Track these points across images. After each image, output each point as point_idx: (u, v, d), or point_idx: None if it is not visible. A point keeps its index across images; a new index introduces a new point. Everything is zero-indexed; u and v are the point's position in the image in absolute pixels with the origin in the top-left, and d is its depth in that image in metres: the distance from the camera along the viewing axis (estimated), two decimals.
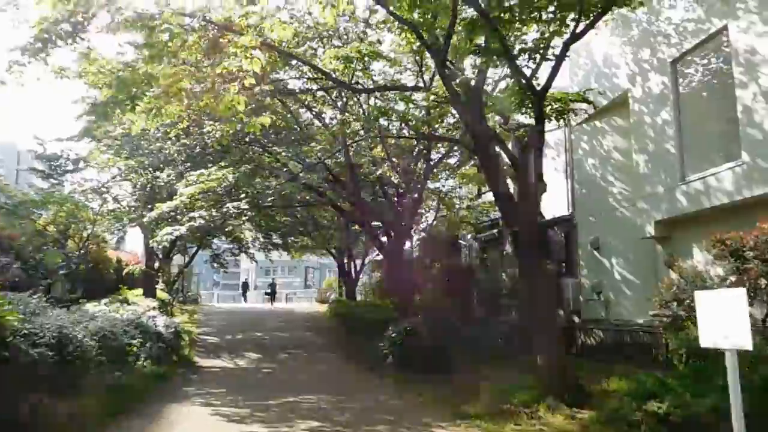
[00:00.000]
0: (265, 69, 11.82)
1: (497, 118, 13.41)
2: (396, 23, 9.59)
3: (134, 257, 30.66)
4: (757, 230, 8.26)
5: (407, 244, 20.40)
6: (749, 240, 8.30)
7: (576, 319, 15.89)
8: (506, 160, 10.71)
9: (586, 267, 16.15)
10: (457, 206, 21.74)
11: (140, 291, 24.37)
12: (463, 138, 12.09)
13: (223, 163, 13.57)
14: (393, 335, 14.68)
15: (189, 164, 15.43)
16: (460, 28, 8.47)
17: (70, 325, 8.13)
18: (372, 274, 32.96)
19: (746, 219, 9.26)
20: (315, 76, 13.02)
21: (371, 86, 12.38)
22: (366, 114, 12.48)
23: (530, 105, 8.62)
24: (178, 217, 13.55)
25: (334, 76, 11.11)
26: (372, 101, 15.16)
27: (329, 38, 13.92)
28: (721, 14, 10.56)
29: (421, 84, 15.53)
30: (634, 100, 13.51)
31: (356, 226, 26.34)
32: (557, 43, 8.89)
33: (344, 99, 15.68)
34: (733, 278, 8.94)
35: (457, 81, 8.93)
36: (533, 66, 8.65)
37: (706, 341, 4.98)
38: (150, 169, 16.85)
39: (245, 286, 46.77)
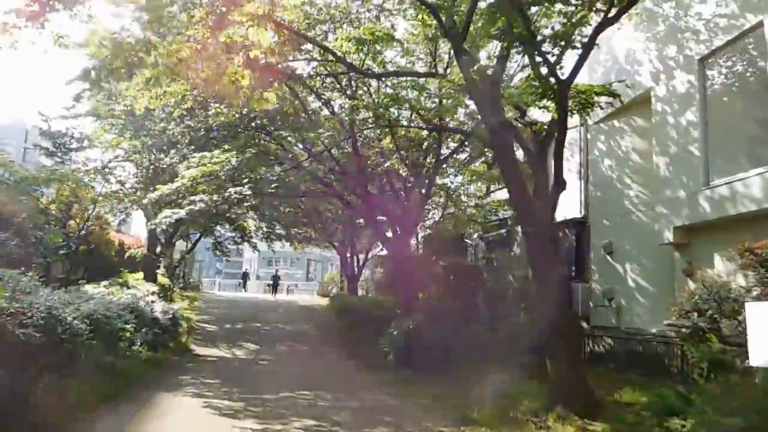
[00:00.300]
0: (272, 50, 11.40)
1: (510, 114, 12.96)
2: (411, 5, 9.11)
3: (137, 241, 30.32)
4: None
5: (413, 241, 19.90)
6: None
7: (585, 325, 15.40)
8: (522, 155, 10.25)
9: (598, 272, 15.65)
10: (465, 204, 21.27)
11: (141, 275, 24.08)
12: (477, 131, 11.61)
13: (226, 146, 13.13)
14: (395, 333, 14.25)
15: (193, 147, 15.00)
16: (481, 11, 8.01)
17: (60, 306, 7.69)
18: (374, 269, 32.53)
19: None
20: (325, 57, 12.52)
21: (383, 72, 11.90)
22: (376, 102, 11.98)
23: (552, 96, 8.14)
24: (179, 200, 13.13)
25: (345, 59, 10.63)
26: (382, 90, 14.65)
27: (341, 22, 13.43)
28: (756, 9, 10.03)
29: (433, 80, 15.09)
30: (657, 99, 12.98)
31: (361, 220, 25.91)
32: (580, 32, 8.41)
33: (354, 87, 15.22)
34: (759, 290, 8.48)
35: (475, 68, 8.46)
36: (557, 54, 8.14)
37: (758, 359, 4.47)
38: (153, 150, 16.44)
39: (245, 276, 46.71)
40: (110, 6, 6.28)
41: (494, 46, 13.69)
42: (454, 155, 18.00)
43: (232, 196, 12.80)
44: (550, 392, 9.09)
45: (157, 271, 25.84)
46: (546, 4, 7.56)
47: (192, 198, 12.77)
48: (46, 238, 18.47)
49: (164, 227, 15.58)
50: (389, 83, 12.73)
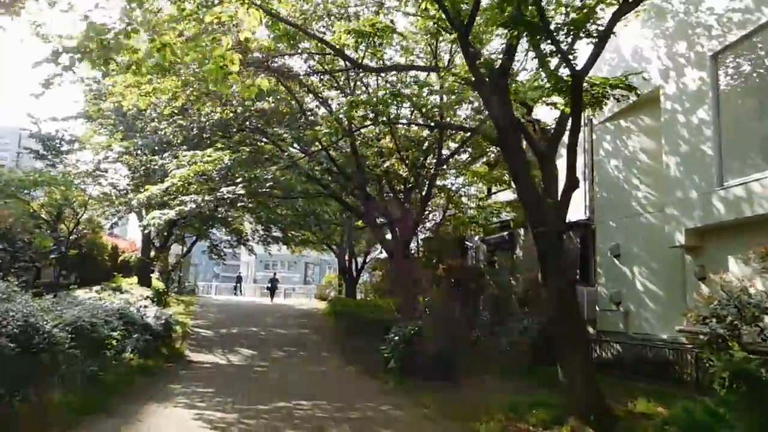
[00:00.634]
0: (270, 48, 10.92)
1: (516, 112, 12.48)
2: None
3: (132, 245, 29.85)
4: None
5: (413, 243, 19.43)
6: None
7: (591, 330, 14.94)
8: (530, 153, 9.79)
9: (605, 275, 15.20)
10: (465, 206, 20.81)
11: (135, 279, 23.61)
12: (484, 128, 11.15)
13: (219, 145, 12.62)
14: (395, 338, 13.76)
15: (185, 147, 14.50)
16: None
17: (39, 313, 7.22)
18: (373, 272, 32.06)
19: None
20: (322, 51, 12.06)
21: (383, 67, 11.37)
22: (375, 99, 11.51)
23: (564, 89, 7.69)
24: (170, 201, 12.60)
25: (344, 53, 10.14)
26: (381, 87, 14.16)
27: (339, 17, 12.97)
28: None
29: (433, 76, 14.62)
30: (666, 97, 12.55)
31: (359, 222, 25.45)
32: (594, 20, 7.93)
33: (352, 86, 14.76)
34: None
35: (481, 60, 8.00)
36: (568, 44, 7.66)
37: None
38: (145, 151, 15.94)
39: (239, 280, 46.41)
40: None
41: (497, 45, 13.30)
42: (455, 156, 17.53)
43: (225, 196, 12.27)
44: (562, 403, 8.62)
45: (152, 275, 25.35)
46: None
47: (182, 198, 12.23)
48: (35, 242, 18.03)
49: (154, 229, 15.04)
50: (389, 79, 12.23)
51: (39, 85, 5.62)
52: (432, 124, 11.70)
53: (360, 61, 11.99)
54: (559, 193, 8.80)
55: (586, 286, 15.54)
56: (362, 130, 16.05)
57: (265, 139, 15.70)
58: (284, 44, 12.67)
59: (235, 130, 14.77)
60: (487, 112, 14.59)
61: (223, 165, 12.11)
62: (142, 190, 13.59)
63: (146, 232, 21.42)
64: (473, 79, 8.30)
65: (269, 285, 36.18)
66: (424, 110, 10.97)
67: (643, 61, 13.50)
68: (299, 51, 13.18)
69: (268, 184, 12.07)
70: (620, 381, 11.93)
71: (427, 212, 19.87)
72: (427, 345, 12.92)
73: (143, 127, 16.05)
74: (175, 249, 34.44)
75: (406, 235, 17.47)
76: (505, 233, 20.16)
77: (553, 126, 9.37)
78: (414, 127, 18.32)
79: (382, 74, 12.97)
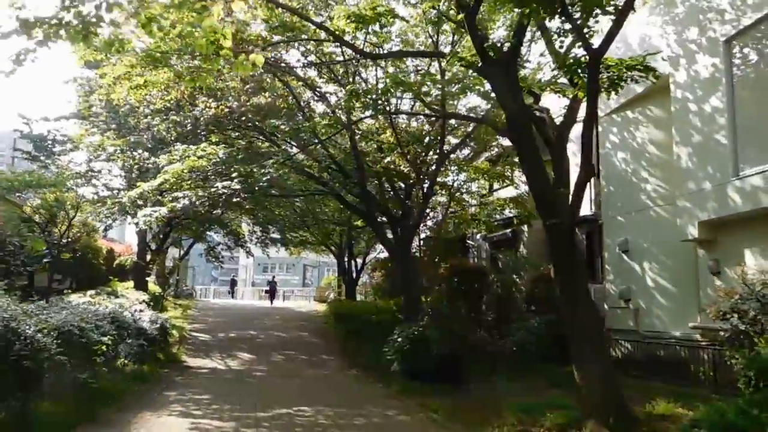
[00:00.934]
0: (266, 41, 10.46)
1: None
2: None
3: (128, 248, 29.37)
4: None
5: (414, 242, 18.97)
6: None
7: None
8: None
9: (613, 272, 14.77)
10: (467, 203, 20.38)
11: (131, 284, 23.15)
12: (489, 117, 10.70)
13: (214, 139, 12.13)
14: (399, 340, 13.29)
15: (179, 144, 14.01)
16: None
17: (22, 317, 6.75)
18: (373, 273, 31.60)
19: None
20: (318, 40, 11.59)
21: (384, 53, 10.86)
22: (378, 88, 11.03)
23: (578, 69, 7.25)
24: (163, 199, 12.09)
25: (343, 39, 9.67)
26: (381, 79, 13.69)
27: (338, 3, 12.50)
28: None
29: (435, 67, 14.18)
30: (676, 86, 12.14)
31: (359, 221, 25.00)
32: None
33: (351, 78, 14.31)
34: None
35: (489, 43, 7.56)
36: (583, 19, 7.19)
37: None
38: (137, 149, 15.45)
39: (233, 283, 46.11)
40: None
41: (502, 33, 12.86)
42: (457, 150, 17.08)
43: (220, 191, 11.76)
44: (578, 404, 8.17)
45: (148, 279, 24.86)
46: None
47: (175, 195, 11.72)
48: (27, 246, 17.52)
49: (147, 228, 14.51)
50: (389, 70, 11.70)
51: (9, 62, 5.16)
52: (435, 114, 11.19)
53: (362, 45, 11.50)
54: (572, 184, 8.36)
55: (594, 283, 15.06)
56: (361, 125, 15.62)
57: (261, 136, 15.25)
58: (281, 36, 12.23)
59: (230, 127, 14.30)
60: (490, 105, 14.30)
61: (218, 159, 11.60)
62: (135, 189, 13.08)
63: (140, 232, 20.95)
64: (480, 64, 7.86)
65: (268, 288, 35.64)
66: (427, 100, 10.49)
67: (652, 50, 13.06)
68: (296, 42, 12.71)
69: (264, 179, 11.56)
70: (632, 380, 11.49)
71: (428, 210, 19.41)
72: (431, 346, 12.47)
73: (136, 124, 15.57)
74: (173, 252, 33.98)
75: (408, 234, 17.02)
76: (509, 231, 19.72)
77: (563, 114, 8.92)
78: (415, 122, 17.91)
79: (383, 64, 12.50)
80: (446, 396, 10.80)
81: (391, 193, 18.03)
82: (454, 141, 18.07)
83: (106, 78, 10.82)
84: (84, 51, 9.55)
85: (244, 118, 13.99)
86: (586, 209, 15.52)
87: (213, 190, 11.73)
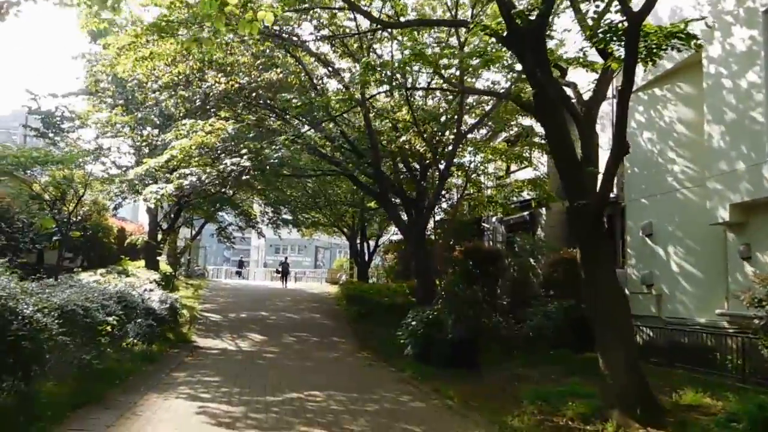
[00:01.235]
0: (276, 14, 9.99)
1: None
2: None
3: (140, 228, 29.20)
4: None
5: (429, 225, 18.54)
6: None
7: None
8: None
9: (635, 256, 14.27)
10: (483, 185, 19.88)
11: (143, 263, 22.99)
12: (512, 92, 10.16)
13: (222, 113, 11.68)
14: (413, 323, 12.95)
15: (188, 119, 13.59)
16: None
17: (21, 296, 6.43)
18: (385, 255, 31.28)
19: None
20: (333, 15, 11.08)
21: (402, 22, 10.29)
22: (393, 63, 10.51)
23: (612, 38, 6.74)
24: (169, 175, 11.70)
25: (359, 8, 9.18)
26: (398, 50, 13.12)
27: None
28: None
29: (453, 41, 13.60)
30: (709, 60, 11.53)
31: (372, 203, 24.60)
32: None
33: (366, 54, 13.79)
34: None
35: (516, 10, 7.06)
36: None
37: None
38: (146, 125, 15.06)
39: (241, 264, 46.09)
40: None
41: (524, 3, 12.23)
42: (475, 129, 16.55)
43: (229, 168, 11.34)
44: (602, 393, 7.77)
45: (159, 258, 24.67)
46: None
47: (182, 171, 11.32)
48: (36, 223, 17.31)
49: (154, 205, 14.14)
50: (406, 44, 11.10)
51: None
52: (454, 89, 10.67)
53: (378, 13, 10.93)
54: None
55: (615, 268, 14.62)
56: (376, 102, 15.13)
57: (272, 114, 14.83)
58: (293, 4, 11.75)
59: (241, 104, 13.88)
60: (510, 82, 13.75)
61: (227, 135, 11.17)
62: (142, 165, 12.70)
63: (151, 211, 20.67)
64: (506, 33, 7.37)
65: (280, 269, 35.35)
66: (446, 74, 9.96)
67: (682, 23, 12.46)
68: (309, 12, 12.20)
69: (275, 155, 11.11)
70: (654, 367, 11.07)
71: (443, 192, 18.95)
72: (446, 330, 12.11)
73: (144, 99, 15.17)
74: (185, 233, 33.82)
75: (422, 216, 16.59)
76: (526, 213, 19.24)
77: (591, 89, 8.41)
78: (431, 100, 17.38)
79: (399, 38, 11.93)
80: (461, 381, 10.45)
81: (406, 173, 17.57)
82: (471, 122, 17.56)
83: (110, 48, 10.41)
84: (84, 15, 9.18)
85: (254, 95, 13.55)
86: None
87: (222, 167, 11.32)
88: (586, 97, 9.08)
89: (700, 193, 12.03)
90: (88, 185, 16.93)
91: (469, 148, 17.78)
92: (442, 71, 9.35)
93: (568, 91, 8.66)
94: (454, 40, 12.73)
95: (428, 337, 12.34)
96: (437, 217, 21.92)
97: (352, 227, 31.04)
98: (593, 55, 9.62)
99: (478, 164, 18.28)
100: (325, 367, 12.23)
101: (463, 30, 12.86)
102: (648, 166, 13.87)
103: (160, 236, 24.37)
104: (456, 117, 14.85)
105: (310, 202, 26.78)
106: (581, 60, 9.08)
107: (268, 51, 14.82)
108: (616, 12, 6.73)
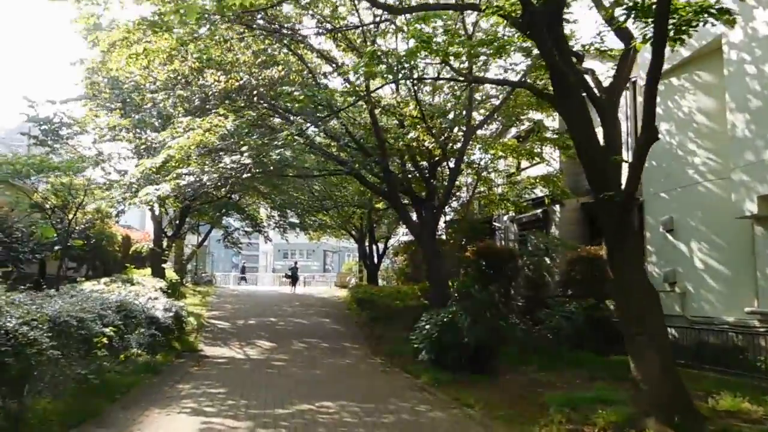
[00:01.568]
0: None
1: None
2: None
3: (146, 235, 28.84)
4: None
5: (440, 224, 18.03)
6: None
7: None
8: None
9: (656, 253, 13.72)
10: (494, 182, 19.36)
11: (148, 271, 22.60)
12: (530, 76, 9.64)
13: (221, 110, 11.18)
14: (426, 327, 12.40)
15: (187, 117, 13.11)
16: None
17: (5, 308, 5.98)
18: (395, 258, 30.77)
19: None
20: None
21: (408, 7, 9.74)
22: (399, 54, 10.01)
23: (638, 15, 6.23)
24: (167, 176, 11.20)
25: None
26: (404, 38, 12.49)
27: None
28: None
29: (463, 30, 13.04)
30: (730, 46, 11.00)
31: (380, 204, 24.10)
32: None
33: (370, 45, 13.30)
34: None
35: None
36: None
37: None
38: (144, 128, 14.59)
39: (243, 270, 45.78)
40: None
41: None
42: (485, 125, 16.00)
43: (229, 166, 10.80)
44: (635, 400, 7.24)
45: (164, 265, 24.26)
46: None
47: (179, 171, 10.80)
48: (36, 233, 16.92)
49: (148, 208, 13.62)
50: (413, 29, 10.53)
51: None
52: (464, 79, 10.14)
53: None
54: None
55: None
56: (382, 99, 14.62)
57: (273, 113, 14.35)
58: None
59: (241, 104, 13.42)
60: (520, 75, 13.22)
61: (226, 132, 10.66)
62: (138, 167, 12.22)
63: (155, 217, 20.26)
64: (521, 13, 6.87)
65: (289, 274, 34.86)
66: (455, 64, 9.43)
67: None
68: (310, 9, 11.75)
69: (277, 152, 10.58)
70: (681, 370, 10.44)
71: (455, 189, 18.43)
72: (462, 334, 11.58)
73: (141, 101, 14.72)
74: (191, 239, 33.47)
75: (433, 215, 16.07)
76: (539, 211, 18.71)
77: (610, 76, 7.89)
78: (437, 98, 16.86)
79: (404, 29, 11.41)
80: (480, 388, 9.93)
81: (415, 172, 17.07)
82: (480, 118, 17.03)
83: (101, 44, 9.99)
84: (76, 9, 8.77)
85: (255, 92, 13.07)
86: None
87: (221, 165, 10.80)
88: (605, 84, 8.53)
89: (724, 185, 11.49)
90: (88, 192, 16.56)
91: (479, 145, 17.27)
92: (451, 60, 8.84)
93: (587, 78, 8.09)
94: (463, 28, 12.19)
95: (443, 341, 11.79)
96: (447, 217, 21.44)
97: (361, 229, 30.59)
98: (610, 41, 9.15)
99: (489, 161, 17.78)
100: (337, 375, 11.73)
101: (472, 17, 12.35)
102: (667, 159, 13.32)
103: (165, 243, 23.98)
104: (465, 112, 14.32)
105: (317, 205, 26.31)
106: (598, 47, 8.58)
107: (269, 50, 14.38)
108: None
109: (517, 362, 12.24)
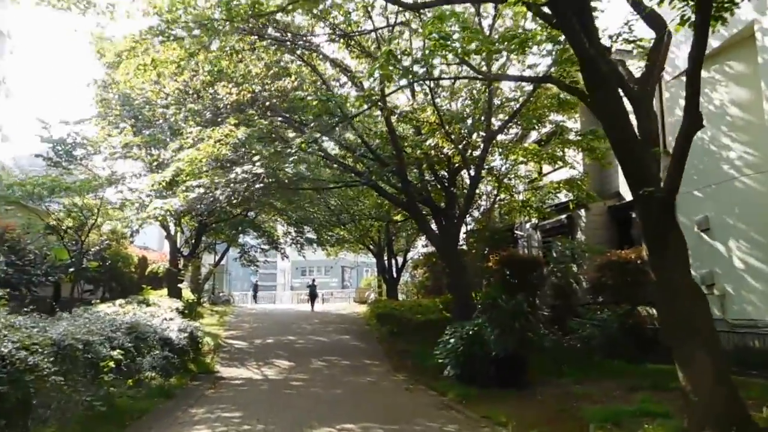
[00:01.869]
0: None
1: None
2: None
3: (162, 256, 28.61)
4: None
5: (461, 234, 17.44)
6: None
7: None
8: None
9: (691, 255, 12.81)
10: (515, 189, 18.77)
11: (165, 291, 22.28)
12: (554, 74, 9.14)
13: (232, 121, 10.78)
14: (451, 341, 11.80)
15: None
16: None
17: (2, 331, 5.54)
18: (414, 271, 30.16)
19: None
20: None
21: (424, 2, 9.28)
22: (414, 55, 9.58)
23: None
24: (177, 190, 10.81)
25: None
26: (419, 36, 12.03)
27: None
28: None
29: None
30: (763, 33, 10.40)
31: (398, 216, 23.59)
32: None
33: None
34: None
35: None
36: None
37: None
38: (156, 145, 14.26)
39: (255, 288, 45.45)
40: None
41: None
42: (505, 129, 15.47)
43: (240, 177, 10.35)
44: (686, 413, 6.60)
45: (181, 285, 23.93)
46: None
47: (189, 183, 10.39)
48: (51, 255, 16.66)
49: (154, 223, 13.25)
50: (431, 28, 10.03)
51: None
52: (484, 77, 9.65)
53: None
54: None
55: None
56: (397, 104, 14.19)
57: (286, 124, 13.99)
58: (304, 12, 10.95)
59: (254, 116, 13.08)
60: (545, 69, 12.69)
61: (237, 141, 10.25)
62: (148, 181, 11.86)
63: (170, 237, 19.94)
64: (546, 3, 6.38)
65: (308, 291, 34.30)
66: (474, 63, 8.95)
67: None
68: (322, 15, 11.38)
69: (291, 161, 10.13)
70: None
71: (477, 196, 17.86)
72: (489, 346, 10.97)
73: (152, 116, 14.43)
74: (208, 259, 33.20)
75: (454, 225, 15.52)
76: (563, 217, 18.08)
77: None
78: (455, 105, 16.36)
79: (420, 29, 10.98)
80: (511, 403, 9.33)
81: (434, 181, 16.55)
82: (498, 124, 16.51)
83: (108, 54, 9.68)
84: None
85: (268, 104, 12.71)
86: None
87: (233, 176, 10.36)
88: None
89: (763, 180, 10.85)
90: (102, 213, 16.27)
91: (499, 151, 16.73)
92: (470, 58, 8.34)
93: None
94: (484, 23, 11.72)
95: (470, 355, 11.20)
96: (468, 227, 20.86)
97: (379, 243, 30.08)
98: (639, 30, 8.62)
99: (509, 167, 17.21)
100: (359, 394, 11.16)
101: (488, 20, 11.89)
102: (699, 155, 12.62)
103: (181, 263, 23.69)
104: (484, 116, 13.81)
105: (334, 219, 25.90)
106: (626, 37, 8.06)
107: (281, 62, 14.07)
108: None
109: (549, 374, 11.59)
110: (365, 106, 10.61)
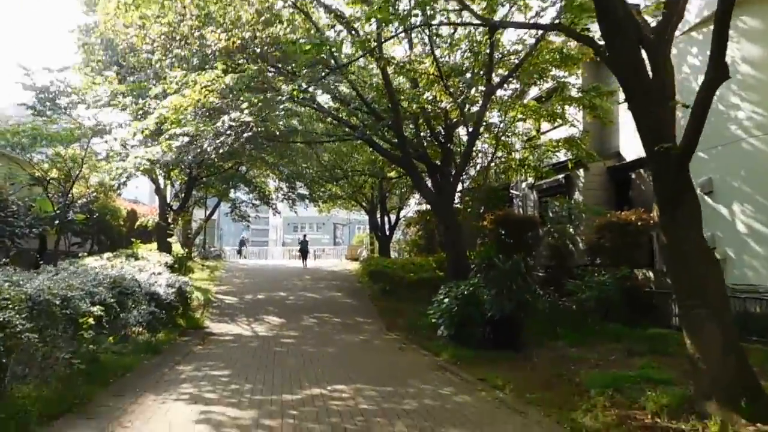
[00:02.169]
0: None
1: None
2: None
3: (153, 210, 28.16)
4: None
5: (457, 192, 17.07)
6: None
7: None
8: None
9: None
10: (513, 147, 18.30)
11: (155, 245, 21.93)
12: (567, 21, 8.59)
13: (220, 66, 10.16)
14: (446, 301, 11.54)
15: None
16: None
17: None
18: (407, 229, 29.89)
19: None
20: None
21: None
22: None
23: None
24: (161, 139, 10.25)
25: None
26: None
27: None
28: None
29: None
30: None
31: (392, 172, 23.16)
32: None
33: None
34: None
35: None
36: None
37: None
38: (142, 94, 13.59)
39: (242, 243, 45.40)
40: None
41: None
42: (505, 84, 14.90)
43: (227, 124, 9.80)
44: (693, 381, 6.37)
45: (171, 240, 23.56)
46: None
47: (173, 132, 9.84)
48: (35, 207, 16.19)
49: (136, 173, 12.74)
50: None
51: None
52: (490, 23, 9.07)
53: None
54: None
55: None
56: (393, 55, 13.60)
57: (276, 72, 13.37)
58: None
59: (243, 63, 12.45)
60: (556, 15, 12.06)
61: (225, 87, 9.66)
62: (130, 130, 11.28)
63: (160, 190, 19.44)
64: None
65: (299, 247, 33.98)
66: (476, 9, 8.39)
67: None
68: None
69: (281, 107, 9.61)
70: None
71: (474, 154, 17.40)
72: (485, 307, 10.71)
73: (137, 62, 13.74)
74: (199, 213, 32.79)
75: (450, 183, 15.11)
76: (561, 176, 17.72)
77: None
78: (454, 58, 15.73)
79: None
80: (507, 366, 9.13)
81: (430, 137, 16.06)
82: (497, 79, 15.93)
83: None
84: None
85: (258, 51, 12.07)
86: None
87: (219, 124, 9.79)
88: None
89: None
90: (89, 164, 15.74)
91: (497, 107, 16.20)
92: (473, 1, 7.79)
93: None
94: None
95: (464, 316, 10.96)
96: (464, 185, 20.47)
97: (372, 200, 29.72)
98: None
99: (508, 124, 16.71)
100: (350, 353, 10.95)
101: None
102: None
103: (171, 217, 23.26)
104: (484, 70, 13.23)
105: (327, 175, 25.42)
106: None
107: (274, 9, 13.34)
108: None
109: (544, 336, 11.41)
110: (360, 53, 10.00)
